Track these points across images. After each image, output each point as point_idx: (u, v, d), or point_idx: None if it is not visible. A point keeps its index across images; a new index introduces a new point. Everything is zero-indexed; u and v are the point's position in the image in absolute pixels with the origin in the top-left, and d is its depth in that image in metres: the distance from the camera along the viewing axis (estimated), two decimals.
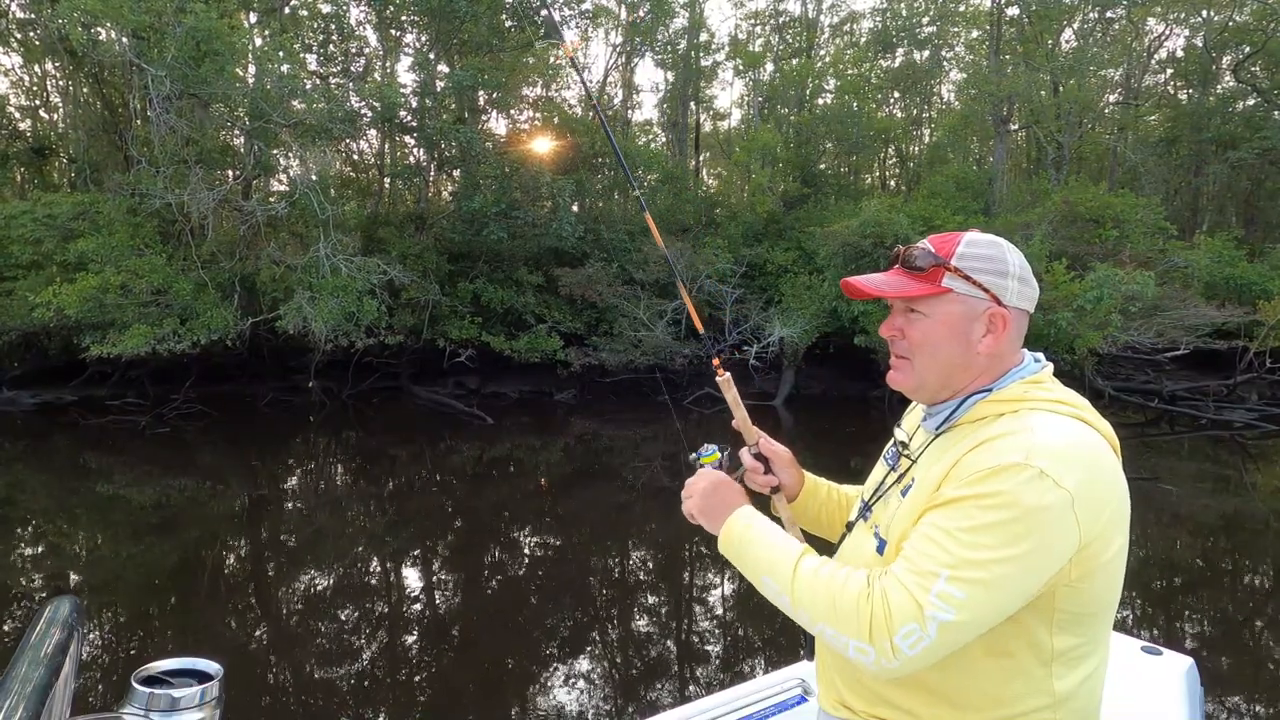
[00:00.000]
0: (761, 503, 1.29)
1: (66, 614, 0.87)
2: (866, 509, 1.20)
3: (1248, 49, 18.87)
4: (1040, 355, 1.14)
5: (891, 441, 1.25)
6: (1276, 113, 18.49)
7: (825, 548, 1.22)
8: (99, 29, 12.17)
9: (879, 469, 1.24)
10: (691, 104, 21.13)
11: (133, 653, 4.50)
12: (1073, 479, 0.95)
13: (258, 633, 4.96)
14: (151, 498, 8.10)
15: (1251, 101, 19.48)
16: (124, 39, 11.87)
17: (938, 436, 1.11)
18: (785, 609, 1.08)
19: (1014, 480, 0.94)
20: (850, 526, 1.24)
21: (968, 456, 1.00)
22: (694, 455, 1.32)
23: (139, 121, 13.44)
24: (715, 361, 1.40)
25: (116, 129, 14.48)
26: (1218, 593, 5.92)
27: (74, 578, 5.84)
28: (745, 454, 1.35)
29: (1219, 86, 20.55)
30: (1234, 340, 13.68)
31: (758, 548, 1.13)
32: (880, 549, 1.10)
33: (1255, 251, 16.56)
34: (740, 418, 1.36)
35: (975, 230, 1.13)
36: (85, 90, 15.48)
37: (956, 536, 0.96)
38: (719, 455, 1.32)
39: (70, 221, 11.79)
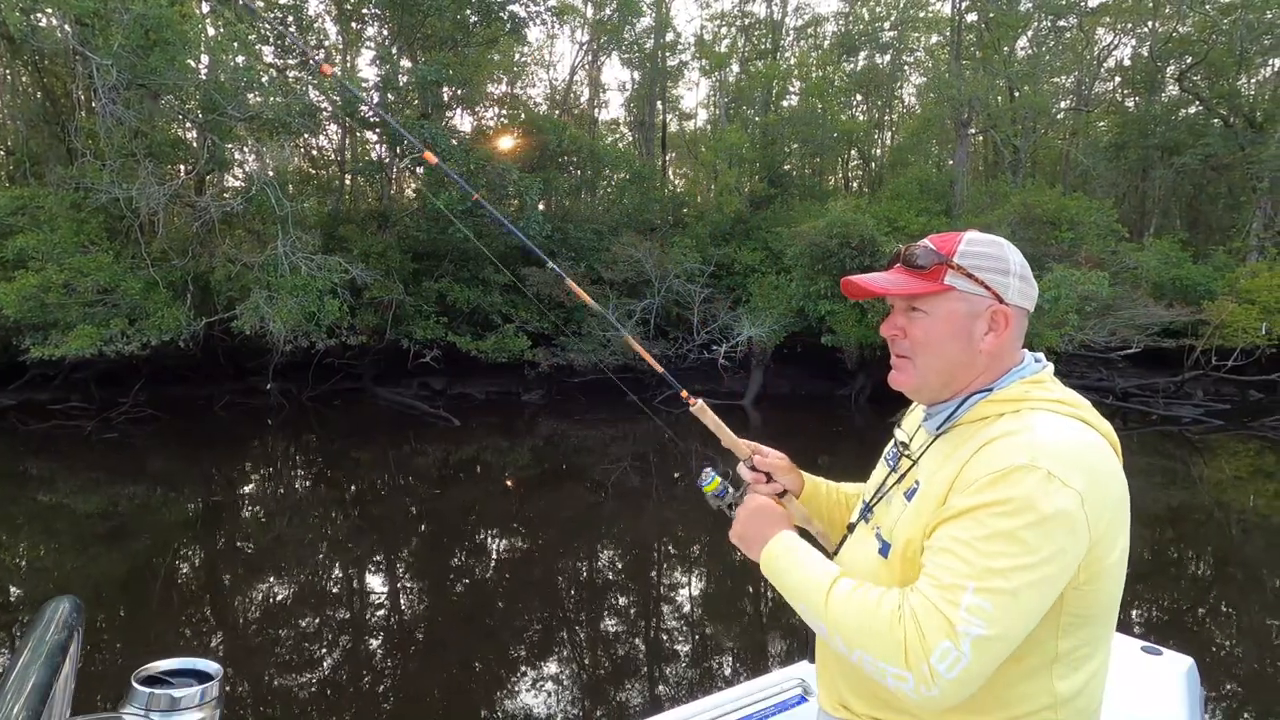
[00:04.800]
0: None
1: (66, 614, 0.86)
2: (868, 510, 1.19)
3: (1190, 59, 19.67)
4: (1040, 355, 1.13)
5: (892, 442, 1.24)
6: (1216, 120, 19.30)
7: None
8: (39, 14, 11.64)
9: (880, 470, 1.23)
10: (658, 103, 21.16)
11: (79, 666, 4.27)
12: (1079, 479, 0.95)
13: (214, 643, 4.76)
14: (98, 506, 7.74)
15: (1194, 109, 20.32)
16: (66, 26, 11.34)
17: (938, 437, 1.10)
18: (823, 636, 1.06)
19: (1023, 484, 0.93)
20: (852, 528, 1.23)
21: (971, 463, 0.99)
22: (698, 483, 1.31)
23: (83, 113, 12.87)
24: (684, 394, 1.37)
25: (58, 120, 13.84)
26: (1167, 581, 6.11)
27: (14, 591, 5.53)
28: (743, 469, 1.33)
29: (1164, 94, 21.40)
30: (1181, 339, 14.24)
31: (792, 574, 1.11)
32: (884, 551, 1.09)
33: (1199, 254, 17.25)
34: (726, 439, 1.35)
35: (974, 230, 1.13)
36: (24, 79, 14.80)
37: (975, 546, 0.94)
38: (719, 481, 1.30)
39: (8, 217, 11.27)
